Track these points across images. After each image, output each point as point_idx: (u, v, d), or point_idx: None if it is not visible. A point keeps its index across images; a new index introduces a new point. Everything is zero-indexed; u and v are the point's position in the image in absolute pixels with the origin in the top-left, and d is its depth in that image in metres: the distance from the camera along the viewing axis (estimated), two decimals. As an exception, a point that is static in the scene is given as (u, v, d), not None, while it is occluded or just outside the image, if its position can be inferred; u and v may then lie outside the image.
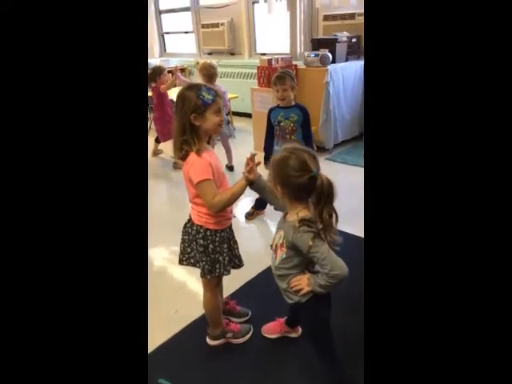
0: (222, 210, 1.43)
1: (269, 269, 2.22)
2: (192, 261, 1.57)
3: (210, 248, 1.49)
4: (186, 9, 6.01)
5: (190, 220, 1.53)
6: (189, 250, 1.56)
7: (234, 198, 1.39)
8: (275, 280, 1.32)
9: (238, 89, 5.04)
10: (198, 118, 1.34)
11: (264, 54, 5.31)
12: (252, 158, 1.32)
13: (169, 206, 3.29)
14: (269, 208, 2.76)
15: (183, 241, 1.58)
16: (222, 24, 5.44)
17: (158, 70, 3.82)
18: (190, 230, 1.52)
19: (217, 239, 1.49)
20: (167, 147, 4.14)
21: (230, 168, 3.72)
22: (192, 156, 1.37)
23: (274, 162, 1.20)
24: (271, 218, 2.81)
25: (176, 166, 3.95)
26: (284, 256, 1.25)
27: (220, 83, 3.69)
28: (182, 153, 1.38)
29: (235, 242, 1.61)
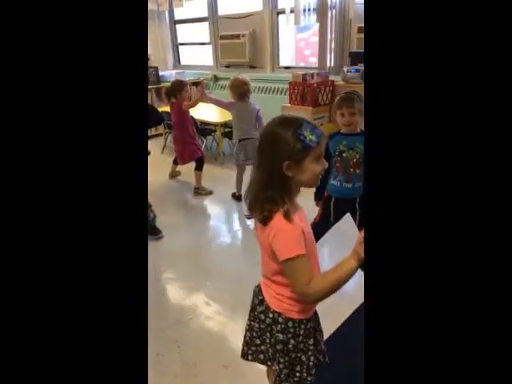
0: (320, 301, 0.98)
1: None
2: (261, 357, 1.12)
3: (290, 345, 1.05)
4: (204, 19, 5.64)
5: (261, 301, 1.09)
6: (258, 341, 1.12)
7: (339, 285, 0.91)
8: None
9: (263, 105, 4.60)
10: (292, 166, 0.91)
11: (288, 68, 4.94)
12: None
13: (194, 244, 2.74)
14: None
15: (250, 328, 1.14)
16: (243, 35, 5.06)
17: (179, 86, 3.37)
18: (262, 316, 1.08)
19: (301, 332, 1.05)
20: (186, 168, 3.70)
21: (238, 198, 3.26)
22: (278, 219, 0.93)
23: None
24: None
25: (198, 192, 3.51)
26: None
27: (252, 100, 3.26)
28: (263, 213, 0.94)
29: (321, 333, 1.15)
